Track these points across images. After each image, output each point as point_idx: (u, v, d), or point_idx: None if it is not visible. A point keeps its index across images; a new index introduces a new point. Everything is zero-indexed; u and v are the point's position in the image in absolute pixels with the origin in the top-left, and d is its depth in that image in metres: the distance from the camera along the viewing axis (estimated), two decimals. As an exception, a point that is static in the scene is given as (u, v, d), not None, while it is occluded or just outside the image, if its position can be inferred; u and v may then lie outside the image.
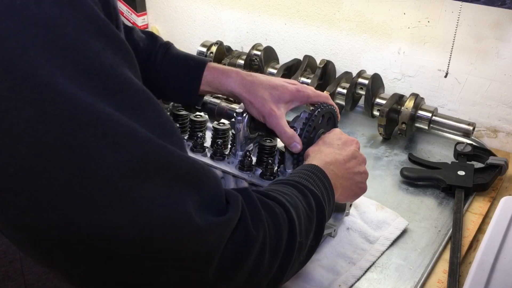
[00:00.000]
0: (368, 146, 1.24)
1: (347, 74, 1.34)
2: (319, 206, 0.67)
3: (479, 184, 1.04)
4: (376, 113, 1.25)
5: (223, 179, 0.91)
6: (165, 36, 1.76)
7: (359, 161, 0.83)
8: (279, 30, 1.52)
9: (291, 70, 1.40)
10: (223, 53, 1.48)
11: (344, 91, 1.29)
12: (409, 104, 1.20)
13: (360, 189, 0.83)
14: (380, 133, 1.24)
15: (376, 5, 1.32)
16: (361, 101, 1.33)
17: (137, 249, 0.47)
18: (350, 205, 0.94)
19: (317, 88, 1.15)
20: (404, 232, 0.94)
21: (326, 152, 0.80)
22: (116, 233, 0.45)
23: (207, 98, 0.99)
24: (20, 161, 0.41)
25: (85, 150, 0.43)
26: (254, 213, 0.56)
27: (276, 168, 0.88)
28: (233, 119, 0.89)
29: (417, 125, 1.22)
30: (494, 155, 1.12)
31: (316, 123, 0.85)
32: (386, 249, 0.90)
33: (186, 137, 0.97)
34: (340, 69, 1.39)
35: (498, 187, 1.07)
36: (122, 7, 1.74)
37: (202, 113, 0.98)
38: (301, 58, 1.40)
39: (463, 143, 1.15)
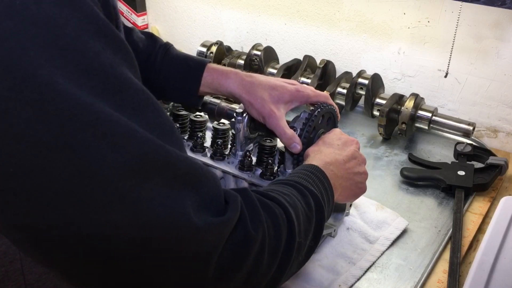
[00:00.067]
0: (368, 146, 1.24)
1: (347, 74, 1.34)
2: (318, 206, 0.67)
3: (479, 184, 1.04)
4: (376, 113, 1.25)
5: (223, 179, 0.91)
6: (165, 36, 1.76)
7: (359, 161, 0.83)
8: (279, 30, 1.52)
9: (291, 70, 1.40)
10: (223, 53, 1.48)
11: (344, 91, 1.29)
12: (409, 104, 1.20)
13: (359, 189, 0.83)
14: (380, 133, 1.24)
15: (376, 5, 1.32)
16: (361, 101, 1.33)
17: (137, 249, 0.47)
18: (350, 205, 0.94)
19: (317, 88, 1.15)
20: (404, 232, 0.94)
21: (326, 152, 0.80)
22: (116, 233, 0.45)
23: (207, 98, 0.99)
24: (20, 161, 0.41)
25: (85, 150, 0.43)
26: (253, 213, 0.56)
27: (276, 168, 0.88)
28: (233, 119, 0.89)
29: (417, 125, 1.22)
30: (494, 155, 1.12)
31: (316, 123, 0.85)
32: (386, 249, 0.90)
33: (186, 137, 0.97)
34: (340, 69, 1.39)
35: (498, 187, 1.07)
36: (122, 7, 1.74)
37: (202, 113, 0.98)
38: (301, 58, 1.40)
39: (463, 143, 1.15)
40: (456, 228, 0.94)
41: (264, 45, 1.43)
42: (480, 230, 0.96)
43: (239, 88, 0.87)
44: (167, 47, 0.94)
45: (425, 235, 0.95)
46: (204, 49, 1.47)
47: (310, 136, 0.84)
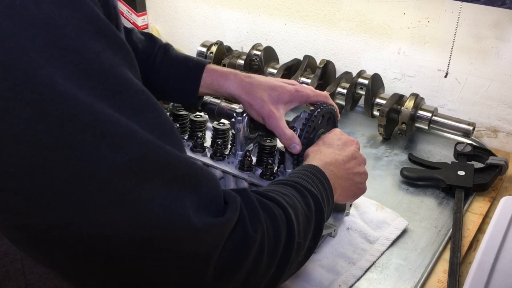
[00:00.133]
0: (368, 146, 1.24)
1: (347, 74, 1.34)
2: (317, 207, 0.67)
3: (479, 184, 1.05)
4: (376, 113, 1.25)
5: (223, 179, 0.91)
6: (165, 36, 1.76)
7: (359, 161, 0.83)
8: (279, 30, 1.52)
9: (291, 70, 1.40)
10: (223, 53, 1.48)
11: (344, 91, 1.29)
12: (409, 104, 1.20)
13: (359, 189, 0.83)
14: (380, 133, 1.24)
15: (376, 5, 1.32)
16: (361, 101, 1.33)
17: (137, 249, 0.47)
18: (350, 205, 0.94)
19: (317, 88, 1.15)
20: (404, 232, 0.95)
21: (326, 153, 0.80)
22: (116, 233, 0.46)
23: (207, 98, 0.99)
24: (19, 161, 0.41)
25: (85, 151, 0.43)
26: (252, 214, 0.56)
27: (276, 168, 0.88)
28: (233, 119, 0.89)
29: (417, 125, 1.22)
30: (494, 155, 1.12)
31: (316, 123, 0.85)
32: (386, 249, 0.90)
33: (186, 137, 0.97)
34: (340, 69, 1.39)
35: (498, 187, 1.07)
36: (122, 7, 1.74)
37: (202, 113, 0.98)
38: (301, 58, 1.40)
39: (463, 143, 1.15)
40: (456, 228, 0.94)
41: (264, 45, 1.43)
42: (480, 230, 0.96)
43: (239, 89, 0.87)
44: (167, 47, 0.94)
45: (425, 235, 0.95)
46: (204, 49, 1.47)
47: (310, 136, 0.84)
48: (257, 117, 0.86)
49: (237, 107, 0.91)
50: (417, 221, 0.98)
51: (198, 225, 0.49)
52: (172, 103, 1.01)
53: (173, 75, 0.91)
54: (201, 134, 0.95)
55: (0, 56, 0.40)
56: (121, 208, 0.45)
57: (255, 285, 0.57)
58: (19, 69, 0.40)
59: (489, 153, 1.13)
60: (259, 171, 0.86)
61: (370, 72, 1.30)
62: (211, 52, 1.45)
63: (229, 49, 1.50)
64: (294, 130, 0.83)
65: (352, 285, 0.83)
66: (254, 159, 0.90)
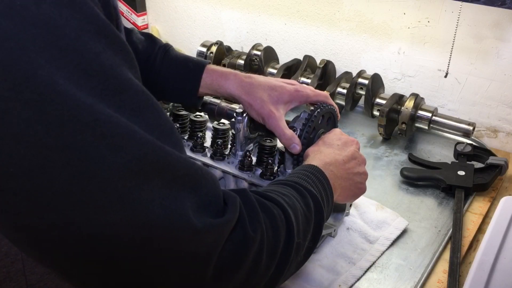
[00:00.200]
0: (368, 146, 1.24)
1: (347, 74, 1.34)
2: (317, 207, 0.67)
3: (479, 184, 1.05)
4: (376, 113, 1.25)
5: (223, 179, 0.91)
6: (165, 36, 1.76)
7: (359, 161, 0.83)
8: (279, 30, 1.52)
9: (291, 70, 1.40)
10: (223, 53, 1.48)
11: (344, 91, 1.29)
12: (409, 104, 1.20)
13: (359, 189, 0.83)
14: (380, 133, 1.24)
15: (376, 5, 1.32)
16: (361, 101, 1.34)
17: (137, 249, 0.47)
18: (350, 205, 0.94)
19: (317, 88, 1.15)
20: (404, 232, 0.95)
21: (326, 153, 0.80)
22: (116, 233, 0.46)
23: (207, 98, 0.99)
24: (19, 161, 0.41)
25: (84, 151, 0.43)
26: (252, 214, 0.56)
27: (276, 168, 0.88)
28: (233, 119, 0.89)
29: (417, 125, 1.22)
30: (494, 155, 1.12)
31: (316, 123, 0.85)
32: (386, 249, 0.90)
33: (186, 137, 0.97)
34: (340, 69, 1.39)
35: (498, 187, 1.07)
36: (122, 7, 1.74)
37: (202, 113, 0.99)
38: (301, 58, 1.40)
39: (463, 143, 1.15)
40: (456, 228, 0.94)
41: (264, 45, 1.43)
42: (480, 230, 0.96)
43: (239, 89, 0.87)
44: (167, 48, 0.94)
45: (425, 235, 0.95)
46: (204, 49, 1.47)
47: (310, 136, 0.84)
48: (257, 117, 0.86)
49: (237, 107, 0.91)
50: (417, 221, 0.98)
51: (197, 225, 0.49)
52: (172, 103, 1.01)
53: (173, 75, 0.92)
54: (201, 134, 0.95)
55: (0, 56, 0.40)
56: (121, 208, 0.45)
57: (254, 285, 0.58)
58: (19, 69, 0.40)
59: (489, 153, 1.13)
60: (259, 171, 0.86)
61: (370, 72, 1.30)
62: (211, 52, 1.45)
63: (229, 49, 1.50)
64: (294, 130, 0.83)
65: (352, 285, 0.83)
66: (254, 159, 0.90)
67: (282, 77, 1.35)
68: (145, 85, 0.50)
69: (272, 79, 0.90)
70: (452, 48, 1.23)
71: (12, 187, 0.42)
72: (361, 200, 0.96)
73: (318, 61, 1.35)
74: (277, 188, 0.67)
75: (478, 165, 1.11)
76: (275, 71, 1.39)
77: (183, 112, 0.99)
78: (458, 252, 0.88)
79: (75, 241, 0.45)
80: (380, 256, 0.89)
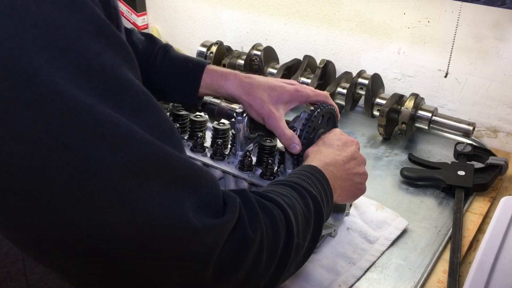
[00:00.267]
0: (368, 146, 1.24)
1: (347, 74, 1.34)
2: (317, 207, 0.67)
3: (479, 184, 1.05)
4: (376, 113, 1.25)
5: (223, 179, 0.91)
6: (165, 36, 1.76)
7: (359, 162, 0.83)
8: (279, 30, 1.52)
9: (291, 70, 1.40)
10: (223, 53, 1.48)
11: (344, 91, 1.29)
12: (409, 104, 1.20)
13: (359, 190, 0.83)
14: (380, 133, 1.24)
15: (376, 5, 1.32)
16: (361, 101, 1.34)
17: (137, 249, 0.47)
18: (350, 205, 0.94)
19: (317, 88, 1.15)
20: (404, 232, 0.95)
21: (326, 153, 0.80)
22: (116, 233, 0.46)
23: (207, 98, 0.99)
24: (19, 161, 0.41)
25: (84, 151, 0.43)
26: (251, 214, 0.56)
27: (276, 168, 0.88)
28: (233, 119, 0.89)
29: (417, 125, 1.22)
30: (494, 155, 1.12)
31: (316, 123, 0.85)
32: (386, 249, 0.90)
33: (186, 137, 0.97)
34: (340, 69, 1.39)
35: (498, 187, 1.07)
36: (122, 7, 1.74)
37: (202, 113, 0.99)
38: (301, 58, 1.40)
39: (463, 143, 1.15)
40: (456, 228, 0.94)
41: (264, 45, 1.43)
42: (480, 230, 0.96)
43: (238, 90, 0.87)
44: (167, 48, 0.94)
45: (425, 235, 0.95)
46: (204, 49, 1.47)
47: (310, 136, 0.84)
48: (257, 117, 0.86)
49: (237, 107, 0.91)
50: (417, 221, 0.98)
51: (197, 225, 0.49)
52: (172, 103, 1.01)
53: (173, 75, 0.92)
54: (201, 134, 0.95)
55: (0, 56, 0.40)
56: (121, 208, 0.45)
57: (254, 285, 0.58)
58: (19, 69, 0.40)
59: (489, 153, 1.13)
60: (259, 171, 0.86)
61: (370, 72, 1.30)
62: (211, 52, 1.45)
63: (229, 49, 1.50)
64: (294, 130, 0.84)
65: (352, 285, 0.83)
66: (254, 159, 0.90)
67: (282, 77, 1.35)
68: (145, 85, 0.50)
69: (272, 79, 0.90)
70: (452, 48, 1.23)
71: (12, 187, 0.42)
72: (361, 200, 0.97)
73: (318, 61, 1.36)
74: (277, 188, 0.67)
75: (478, 165, 1.11)
76: (275, 71, 1.39)
77: (183, 112, 0.99)
78: (458, 252, 0.88)
79: (75, 241, 0.45)
80: (380, 256, 0.89)
